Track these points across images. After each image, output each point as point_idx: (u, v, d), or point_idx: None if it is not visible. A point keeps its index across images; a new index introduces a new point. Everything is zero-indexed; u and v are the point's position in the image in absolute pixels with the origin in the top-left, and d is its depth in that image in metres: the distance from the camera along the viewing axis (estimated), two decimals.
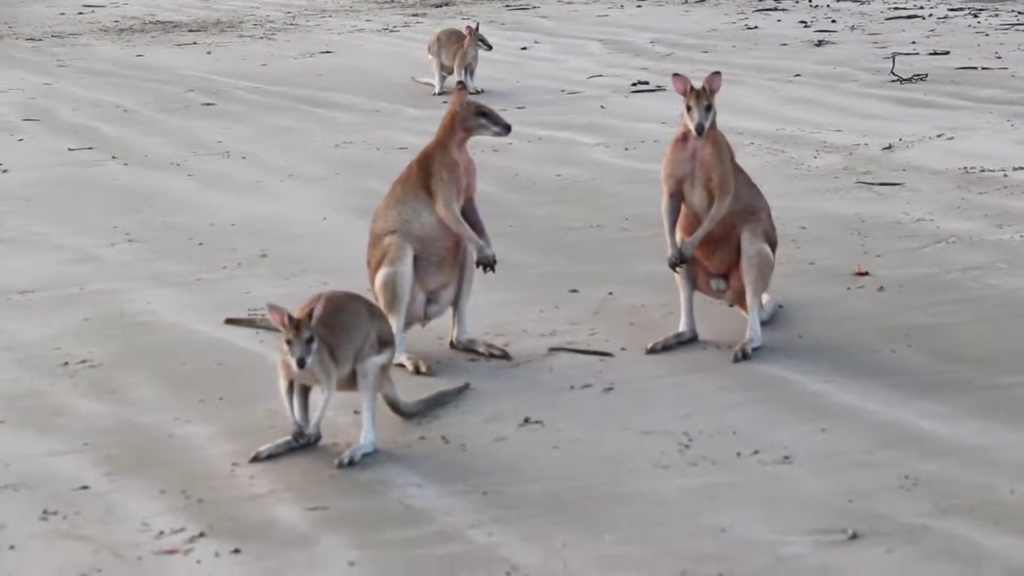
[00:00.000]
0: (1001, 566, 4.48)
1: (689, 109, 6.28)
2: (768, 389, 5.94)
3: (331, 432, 5.52)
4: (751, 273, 6.36)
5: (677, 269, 6.42)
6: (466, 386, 6.02)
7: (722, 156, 6.31)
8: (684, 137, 6.34)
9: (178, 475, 5.26)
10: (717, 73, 6.35)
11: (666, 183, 6.39)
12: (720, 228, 6.36)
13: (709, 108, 6.27)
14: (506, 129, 6.50)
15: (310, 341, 5.15)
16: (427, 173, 6.34)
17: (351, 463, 5.29)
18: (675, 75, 6.38)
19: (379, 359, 5.44)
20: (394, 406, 5.67)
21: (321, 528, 4.86)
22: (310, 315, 5.16)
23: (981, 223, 8.30)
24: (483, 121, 6.44)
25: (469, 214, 6.41)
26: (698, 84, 6.30)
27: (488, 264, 6.38)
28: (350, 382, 5.41)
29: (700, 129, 6.24)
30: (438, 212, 6.30)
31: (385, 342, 5.48)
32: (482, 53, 13.24)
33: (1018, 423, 5.53)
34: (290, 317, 5.15)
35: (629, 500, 4.99)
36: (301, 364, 5.14)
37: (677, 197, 6.38)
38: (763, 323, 6.48)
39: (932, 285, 7.22)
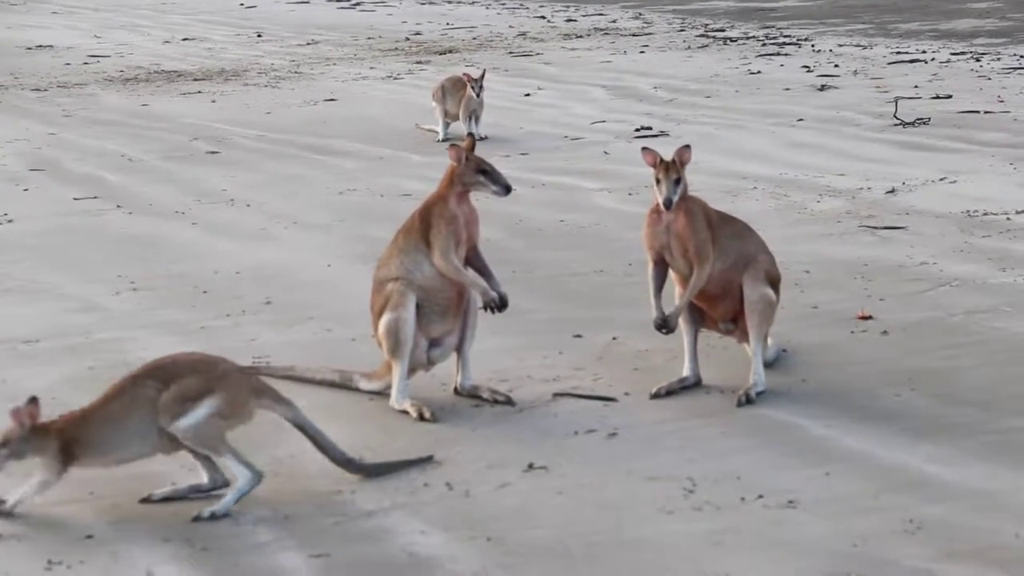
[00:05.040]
0: None
1: (658, 182, 6.30)
2: (772, 433, 5.94)
3: (335, 481, 5.52)
4: (754, 318, 6.37)
5: (662, 331, 6.42)
6: (430, 458, 5.79)
7: (696, 227, 6.31)
8: (657, 209, 6.35)
9: (182, 523, 5.26)
10: (687, 146, 6.37)
11: (648, 252, 6.43)
12: (717, 286, 6.39)
13: (678, 181, 6.28)
14: (505, 189, 6.45)
15: None
16: (427, 225, 6.34)
17: (212, 517, 5.25)
18: (644, 148, 6.39)
19: (187, 420, 5.29)
20: (322, 449, 5.57)
21: None
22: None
23: (984, 266, 8.31)
24: (482, 179, 6.42)
25: (474, 261, 6.42)
26: (668, 156, 6.31)
27: (495, 305, 6.37)
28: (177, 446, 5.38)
29: (668, 204, 6.27)
30: (436, 264, 6.30)
31: (191, 398, 5.30)
32: (487, 100, 13.28)
33: (1023, 467, 5.53)
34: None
35: (633, 546, 4.99)
36: None
37: (661, 264, 6.42)
38: (767, 367, 6.48)
39: (936, 329, 7.22)
